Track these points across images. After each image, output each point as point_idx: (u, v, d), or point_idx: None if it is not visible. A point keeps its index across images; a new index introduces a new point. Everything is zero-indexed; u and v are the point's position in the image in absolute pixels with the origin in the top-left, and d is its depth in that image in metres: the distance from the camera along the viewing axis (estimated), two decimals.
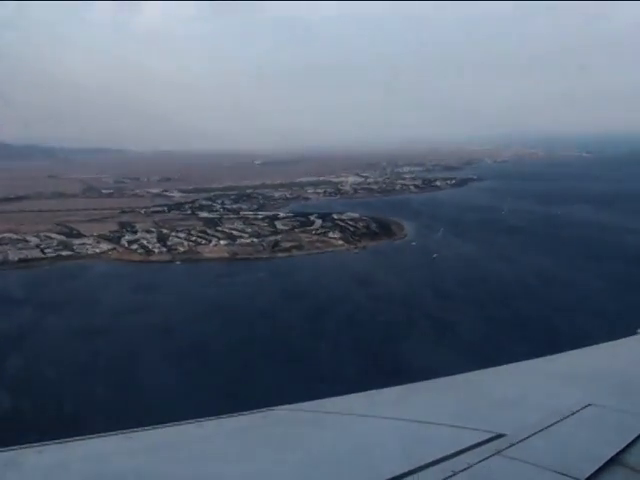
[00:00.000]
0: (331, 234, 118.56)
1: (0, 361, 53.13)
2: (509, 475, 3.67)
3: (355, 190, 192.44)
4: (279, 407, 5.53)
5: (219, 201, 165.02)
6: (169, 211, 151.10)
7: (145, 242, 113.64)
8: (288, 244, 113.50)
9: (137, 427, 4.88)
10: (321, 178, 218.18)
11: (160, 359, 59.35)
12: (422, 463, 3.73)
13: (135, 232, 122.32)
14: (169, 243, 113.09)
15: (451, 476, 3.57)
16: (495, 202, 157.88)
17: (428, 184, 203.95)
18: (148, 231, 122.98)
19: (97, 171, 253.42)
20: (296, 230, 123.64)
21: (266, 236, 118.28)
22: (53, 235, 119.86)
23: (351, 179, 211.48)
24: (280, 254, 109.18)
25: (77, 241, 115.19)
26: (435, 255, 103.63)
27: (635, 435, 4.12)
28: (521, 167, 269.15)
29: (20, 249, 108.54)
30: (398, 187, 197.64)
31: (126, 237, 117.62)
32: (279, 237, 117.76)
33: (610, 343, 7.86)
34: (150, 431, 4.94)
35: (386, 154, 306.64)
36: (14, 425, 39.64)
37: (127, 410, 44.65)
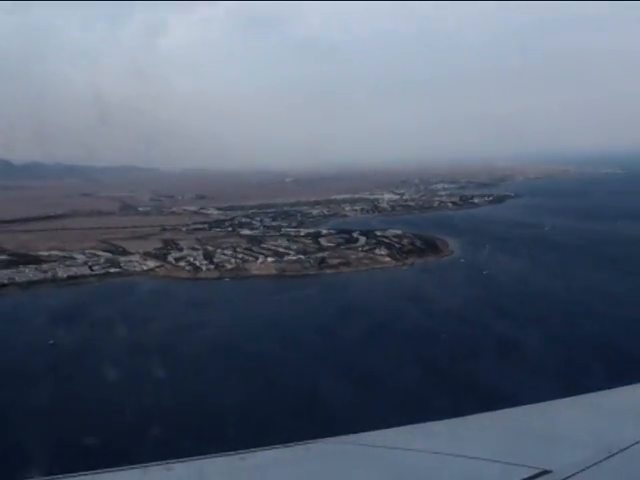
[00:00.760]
0: (378, 251, 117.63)
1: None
2: None
3: (392, 207, 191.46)
4: (321, 440, 5.45)
5: (258, 218, 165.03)
6: (210, 229, 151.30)
7: (192, 259, 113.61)
8: (335, 261, 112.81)
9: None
10: (356, 195, 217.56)
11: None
12: None
13: (181, 249, 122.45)
14: (216, 260, 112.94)
15: None
16: (535, 219, 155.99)
17: (465, 201, 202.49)
18: (193, 248, 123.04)
19: (129, 189, 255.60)
20: (341, 247, 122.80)
21: (312, 253, 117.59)
22: (99, 252, 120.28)
23: (387, 196, 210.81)
24: (328, 271, 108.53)
25: (123, 258, 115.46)
26: (486, 272, 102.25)
27: None
28: (555, 184, 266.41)
29: (68, 266, 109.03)
30: (435, 204, 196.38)
31: (172, 254, 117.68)
32: (325, 254, 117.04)
33: None
34: (188, 463, 4.92)
35: (415, 171, 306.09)
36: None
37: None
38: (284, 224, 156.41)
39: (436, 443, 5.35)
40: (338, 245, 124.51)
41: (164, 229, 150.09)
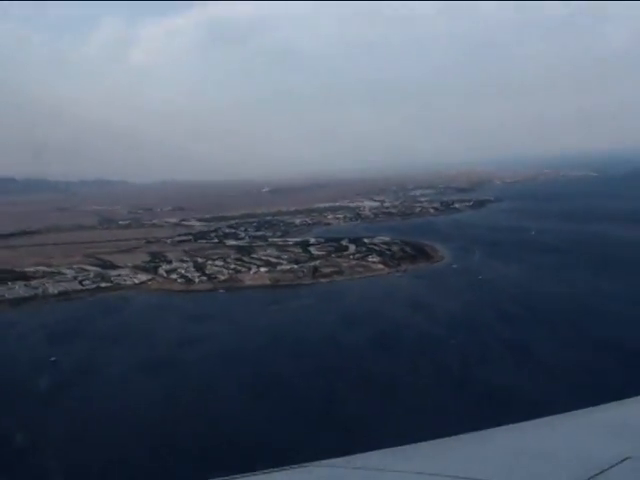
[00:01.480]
0: (370, 258, 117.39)
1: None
2: None
3: (375, 215, 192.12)
4: (312, 463, 5.33)
5: (242, 229, 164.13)
6: (195, 240, 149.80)
7: (183, 271, 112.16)
8: (328, 269, 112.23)
9: None
10: (336, 204, 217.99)
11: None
12: None
13: (170, 262, 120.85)
14: (208, 272, 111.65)
15: None
16: (519, 222, 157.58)
17: (447, 206, 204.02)
18: (182, 260, 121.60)
19: (106, 203, 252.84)
20: (332, 255, 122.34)
21: (304, 262, 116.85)
22: (87, 267, 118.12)
23: (367, 204, 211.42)
24: (322, 280, 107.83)
25: (113, 272, 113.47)
26: (480, 277, 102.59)
27: None
28: (533, 188, 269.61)
29: (58, 282, 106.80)
30: (417, 210, 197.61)
31: (163, 267, 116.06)
32: (317, 263, 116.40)
33: None
34: None
35: (390, 178, 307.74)
36: None
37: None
38: (269, 234, 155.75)
39: (428, 464, 5.24)
40: (329, 253, 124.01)
41: (148, 242, 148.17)
